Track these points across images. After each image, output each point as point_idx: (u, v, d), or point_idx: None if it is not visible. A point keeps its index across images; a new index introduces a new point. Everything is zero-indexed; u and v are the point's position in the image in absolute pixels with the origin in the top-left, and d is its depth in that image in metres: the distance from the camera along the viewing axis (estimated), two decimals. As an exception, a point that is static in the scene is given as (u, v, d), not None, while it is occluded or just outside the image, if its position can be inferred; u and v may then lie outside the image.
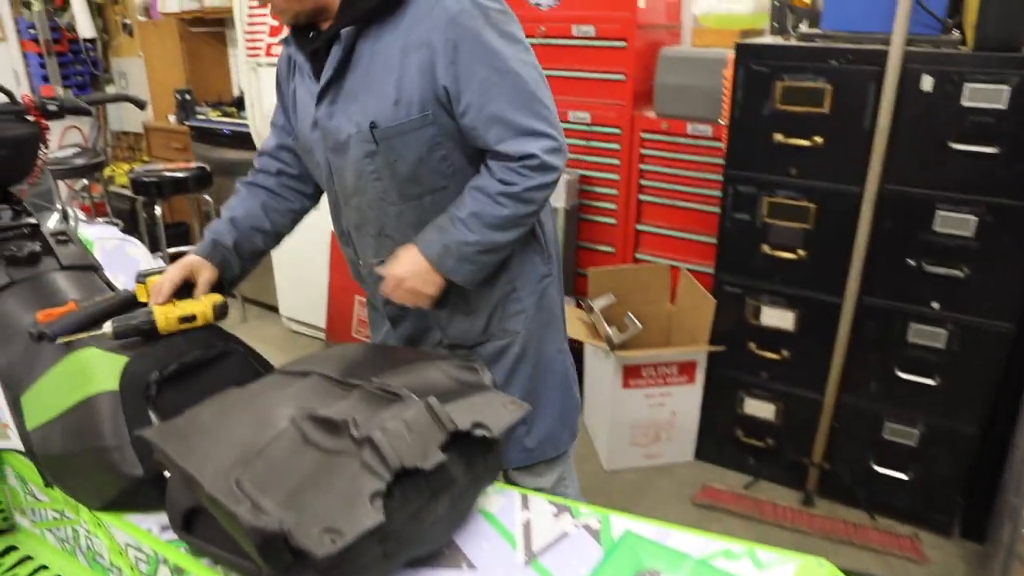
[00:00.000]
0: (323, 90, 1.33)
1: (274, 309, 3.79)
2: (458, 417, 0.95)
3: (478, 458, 0.98)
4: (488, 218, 1.29)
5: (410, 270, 1.34)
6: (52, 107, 1.72)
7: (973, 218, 1.95)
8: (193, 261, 1.41)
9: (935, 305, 2.06)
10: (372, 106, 1.28)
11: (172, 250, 3.81)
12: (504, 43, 1.25)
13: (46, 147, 1.76)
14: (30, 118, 1.74)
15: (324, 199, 1.57)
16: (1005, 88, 1.82)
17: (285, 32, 1.40)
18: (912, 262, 2.06)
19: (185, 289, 1.37)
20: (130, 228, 4.39)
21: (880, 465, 2.29)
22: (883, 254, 2.09)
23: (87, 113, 1.77)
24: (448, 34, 1.22)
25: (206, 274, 1.41)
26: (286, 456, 0.87)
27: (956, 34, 1.97)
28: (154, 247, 3.75)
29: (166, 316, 1.26)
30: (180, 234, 4.21)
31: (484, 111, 1.25)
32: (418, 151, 1.31)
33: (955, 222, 1.97)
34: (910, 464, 2.24)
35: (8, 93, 1.73)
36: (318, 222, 3.31)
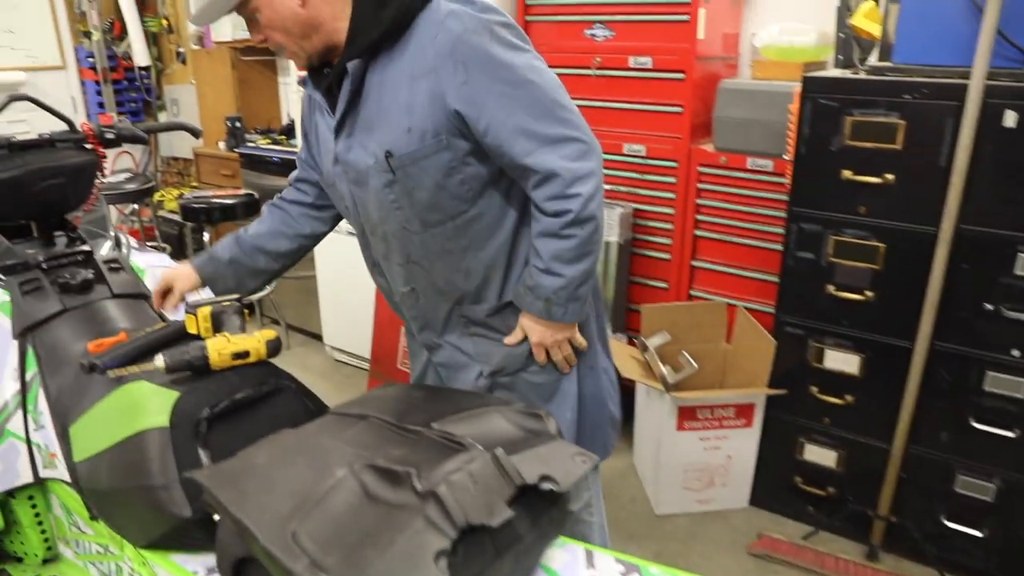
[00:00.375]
0: (339, 124, 1.36)
1: (318, 337, 3.78)
2: (525, 469, 0.90)
3: (544, 513, 0.93)
4: (565, 255, 1.30)
5: (539, 335, 1.40)
6: (110, 135, 1.74)
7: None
8: (177, 272, 1.58)
9: (1015, 353, 1.96)
10: (386, 136, 1.29)
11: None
12: (513, 54, 1.24)
13: (103, 175, 1.77)
14: (88, 146, 1.76)
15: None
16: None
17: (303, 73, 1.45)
18: (990, 306, 1.96)
19: (238, 322, 1.35)
20: (178, 253, 4.45)
21: (952, 520, 2.17)
22: (958, 297, 1.99)
23: (144, 142, 1.78)
24: (456, 56, 1.22)
25: (181, 283, 1.57)
26: (345, 509, 0.83)
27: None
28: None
29: (219, 352, 1.24)
30: (226, 260, 4.25)
31: (506, 126, 1.24)
32: (435, 177, 1.31)
33: (1036, 265, 1.88)
34: (985, 520, 2.12)
35: (68, 121, 1.75)
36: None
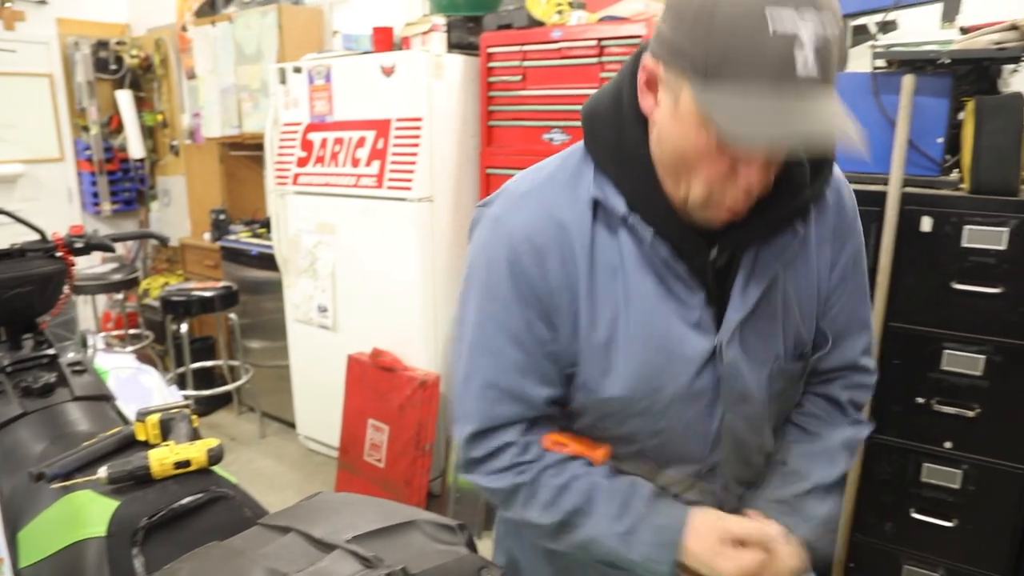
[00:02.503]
0: (740, 320, 0.94)
1: (292, 425, 3.79)
2: (429, 585, 0.93)
3: (450, 628, 0.95)
4: (845, 470, 1.08)
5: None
6: (79, 244, 1.80)
7: (981, 357, 1.91)
8: None
9: (947, 444, 2.00)
10: (797, 331, 0.99)
11: (196, 365, 3.88)
12: None
13: (72, 282, 1.83)
14: (58, 255, 1.83)
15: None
16: (1004, 230, 1.82)
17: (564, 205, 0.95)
18: (921, 400, 2.01)
19: (186, 429, 1.38)
20: (160, 339, 4.49)
21: (903, 610, 2.17)
22: (892, 391, 2.04)
23: (110, 250, 1.85)
24: (856, 220, 1.03)
25: None
26: (251, 627, 0.86)
27: (955, 174, 1.99)
28: (179, 361, 3.82)
29: (160, 461, 1.27)
30: (206, 348, 4.29)
31: (860, 313, 1.07)
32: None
33: (963, 361, 1.93)
34: (934, 610, 2.12)
35: (39, 231, 1.82)
36: (336, 342, 3.35)
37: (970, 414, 1.95)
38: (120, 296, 4.66)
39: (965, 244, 1.88)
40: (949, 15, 1.87)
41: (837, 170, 1.01)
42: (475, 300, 1.01)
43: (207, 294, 3.47)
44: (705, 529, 0.93)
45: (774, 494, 1.04)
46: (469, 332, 1.02)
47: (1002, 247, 1.83)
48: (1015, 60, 1.82)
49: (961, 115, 1.91)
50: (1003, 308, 1.86)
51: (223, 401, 4.24)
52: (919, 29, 2.05)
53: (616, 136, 0.93)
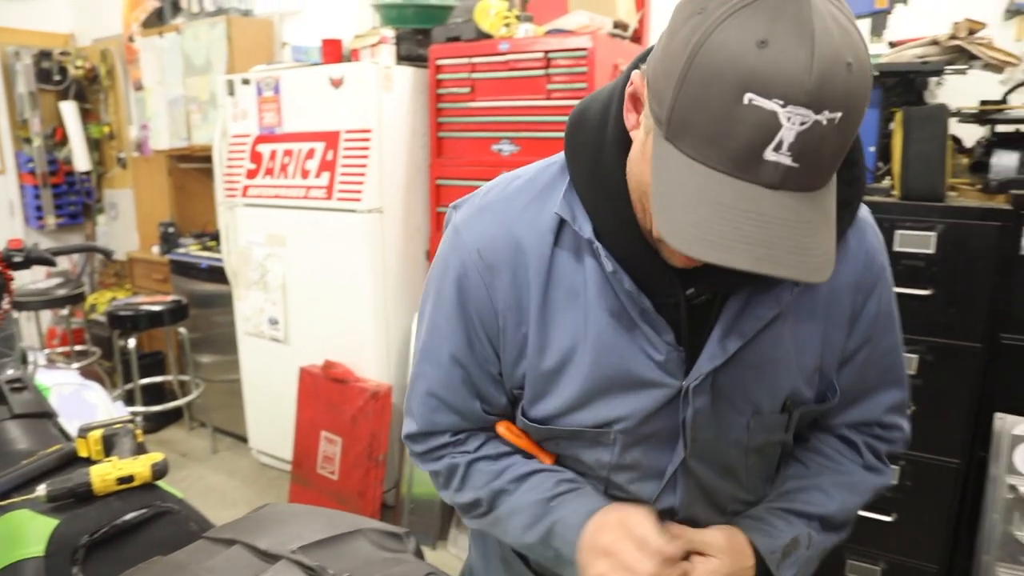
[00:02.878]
0: (713, 369, 0.85)
1: (245, 440, 3.73)
2: (375, 592, 0.94)
3: (397, 634, 0.95)
4: (851, 514, 0.97)
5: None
6: (17, 259, 1.76)
7: (915, 357, 1.98)
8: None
9: (886, 442, 2.07)
10: (787, 380, 0.88)
11: (144, 381, 3.80)
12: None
13: (11, 297, 1.79)
14: (-5, 269, 1.78)
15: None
16: (932, 234, 1.90)
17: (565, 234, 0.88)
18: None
19: (129, 445, 1.36)
20: (108, 355, 4.39)
21: (846, 604, 2.22)
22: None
23: (51, 264, 1.81)
24: (884, 272, 0.93)
25: None
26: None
27: (888, 181, 2.06)
28: (127, 377, 3.74)
29: (102, 478, 1.25)
30: (155, 363, 4.20)
31: (892, 371, 0.96)
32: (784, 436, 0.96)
33: (898, 361, 2.01)
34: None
35: (-24, 246, 1.78)
36: (288, 355, 3.31)
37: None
38: (65, 312, 4.54)
39: (897, 248, 1.95)
40: (877, 30, 1.94)
41: (865, 214, 0.91)
42: (429, 306, 0.98)
43: (156, 308, 3.41)
44: (601, 530, 0.87)
45: (749, 512, 0.97)
46: (422, 335, 1.01)
47: (931, 251, 1.91)
48: (938, 73, 1.90)
49: (891, 125, 1.98)
50: (933, 309, 1.93)
51: (173, 417, 4.16)
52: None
53: (596, 152, 0.84)
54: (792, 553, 0.91)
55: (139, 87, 4.92)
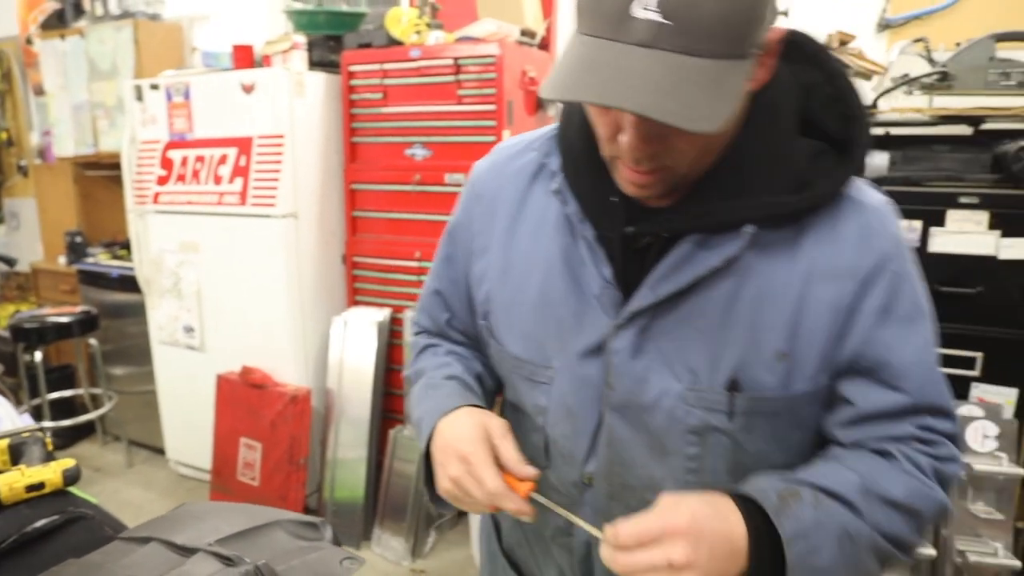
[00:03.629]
0: (639, 309, 0.82)
1: (162, 452, 3.65)
2: (290, 577, 0.97)
3: (314, 617, 0.99)
4: (883, 518, 0.78)
5: (702, 522, 0.72)
6: (-86, 270, 1.70)
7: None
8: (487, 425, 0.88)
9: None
10: (733, 354, 0.81)
11: (53, 395, 3.67)
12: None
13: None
14: None
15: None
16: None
17: (537, 158, 0.95)
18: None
19: (39, 453, 1.34)
20: (11, 371, 4.20)
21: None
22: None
23: (-49, 275, 1.75)
24: (897, 269, 0.80)
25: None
26: (109, 632, 0.87)
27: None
28: (34, 392, 3.59)
29: (11, 486, 1.23)
30: (64, 377, 4.05)
31: (923, 395, 0.80)
32: (784, 439, 0.84)
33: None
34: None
35: None
36: (204, 362, 3.27)
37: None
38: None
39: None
40: (761, 40, 2.08)
41: (879, 208, 0.82)
42: None
43: (64, 320, 3.29)
44: (459, 431, 0.87)
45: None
46: None
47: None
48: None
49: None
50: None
51: (85, 432, 4.01)
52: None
53: (568, 117, 0.91)
54: (792, 505, 0.75)
55: (40, 92, 4.72)
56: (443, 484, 0.87)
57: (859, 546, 0.76)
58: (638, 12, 0.63)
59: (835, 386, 0.82)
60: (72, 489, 1.34)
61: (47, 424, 3.48)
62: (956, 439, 0.84)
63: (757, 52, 0.70)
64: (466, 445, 0.85)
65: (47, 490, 1.28)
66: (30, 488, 1.26)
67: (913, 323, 0.81)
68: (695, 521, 0.72)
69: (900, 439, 0.81)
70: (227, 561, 1.00)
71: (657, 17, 0.62)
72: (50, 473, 1.29)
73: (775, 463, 0.83)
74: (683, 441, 0.84)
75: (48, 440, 1.40)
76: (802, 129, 0.82)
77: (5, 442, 1.34)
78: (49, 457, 1.36)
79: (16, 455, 1.35)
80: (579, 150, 0.86)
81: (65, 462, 1.32)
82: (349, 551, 1.07)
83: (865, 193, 0.83)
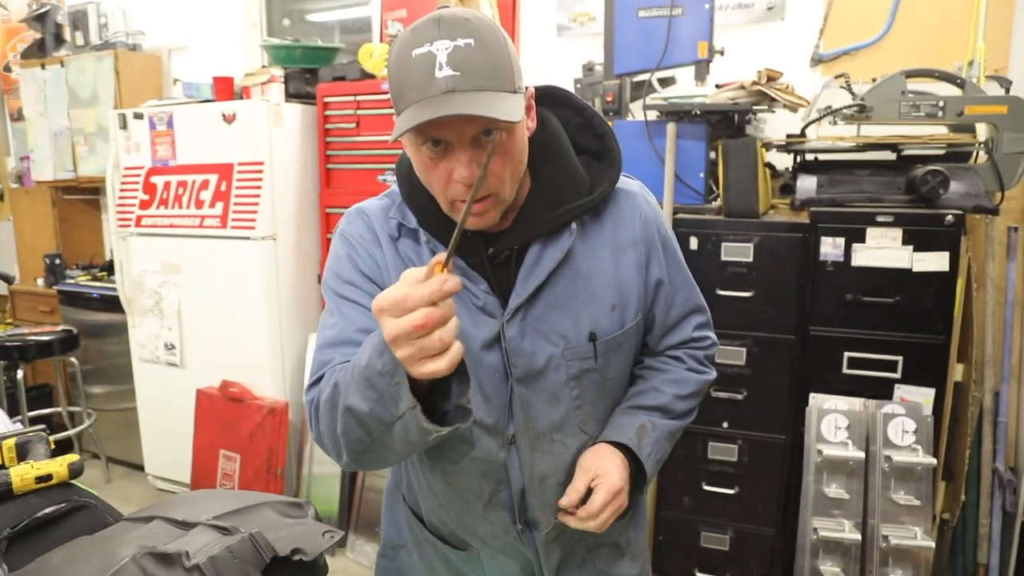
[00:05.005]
0: (518, 304, 1.09)
1: (140, 468, 3.73)
2: (279, 545, 1.12)
3: (298, 579, 1.14)
4: (686, 403, 1.23)
5: (621, 476, 1.13)
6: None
7: (743, 349, 2.32)
8: None
9: (725, 424, 2.39)
10: (587, 316, 1.11)
11: (33, 413, 3.74)
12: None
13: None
14: None
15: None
16: (750, 245, 2.25)
17: (374, 216, 1.17)
18: (702, 389, 2.39)
19: (44, 450, 1.47)
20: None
21: (702, 572, 2.52)
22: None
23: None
24: (660, 230, 1.19)
25: None
26: (125, 588, 1.01)
27: (716, 203, 2.41)
28: (13, 411, 3.66)
29: (22, 477, 1.36)
30: (43, 395, 4.12)
31: (690, 302, 1.24)
32: (626, 364, 1.21)
33: (730, 353, 2.33)
34: (726, 568, 2.49)
35: None
36: (184, 378, 3.37)
37: (739, 397, 2.35)
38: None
39: (724, 258, 2.29)
40: (700, 76, 2.29)
41: (639, 191, 1.18)
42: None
43: (45, 338, 3.39)
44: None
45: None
46: None
47: (750, 259, 2.26)
48: (746, 112, 2.27)
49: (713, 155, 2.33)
50: (755, 308, 2.28)
51: (64, 449, 4.04)
52: (690, 85, 2.48)
53: (409, 175, 1.13)
54: (644, 437, 1.15)
55: (17, 117, 4.82)
56: (400, 351, 0.82)
57: (676, 434, 1.22)
58: (438, 74, 0.91)
59: (647, 316, 1.20)
60: (75, 481, 1.48)
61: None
62: (710, 325, 1.29)
63: (523, 92, 1.00)
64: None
65: (54, 481, 1.42)
66: (39, 479, 1.40)
67: (680, 264, 1.22)
68: (610, 470, 1.11)
69: (684, 343, 1.24)
70: (224, 531, 1.15)
71: (451, 72, 0.91)
72: (57, 466, 1.43)
73: (623, 381, 1.20)
74: (567, 388, 1.13)
75: (51, 440, 1.53)
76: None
77: (13, 440, 1.48)
78: (52, 455, 1.49)
79: (23, 452, 1.48)
80: (429, 207, 1.09)
81: (70, 457, 1.46)
82: (329, 527, 1.22)
83: (628, 183, 1.19)
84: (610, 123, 1.24)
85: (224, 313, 3.15)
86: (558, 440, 1.14)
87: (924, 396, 2.21)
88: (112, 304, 3.61)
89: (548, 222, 1.09)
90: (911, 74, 2.17)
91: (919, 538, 2.05)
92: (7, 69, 4.87)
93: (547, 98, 1.17)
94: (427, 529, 1.31)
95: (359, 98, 2.94)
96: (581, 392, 1.14)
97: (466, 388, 0.90)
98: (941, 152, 2.35)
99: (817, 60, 2.75)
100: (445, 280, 0.80)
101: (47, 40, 4.41)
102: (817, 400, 2.25)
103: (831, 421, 2.21)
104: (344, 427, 1.00)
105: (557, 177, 1.11)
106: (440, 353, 0.81)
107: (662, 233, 1.19)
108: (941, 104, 2.14)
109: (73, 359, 3.69)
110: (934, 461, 2.07)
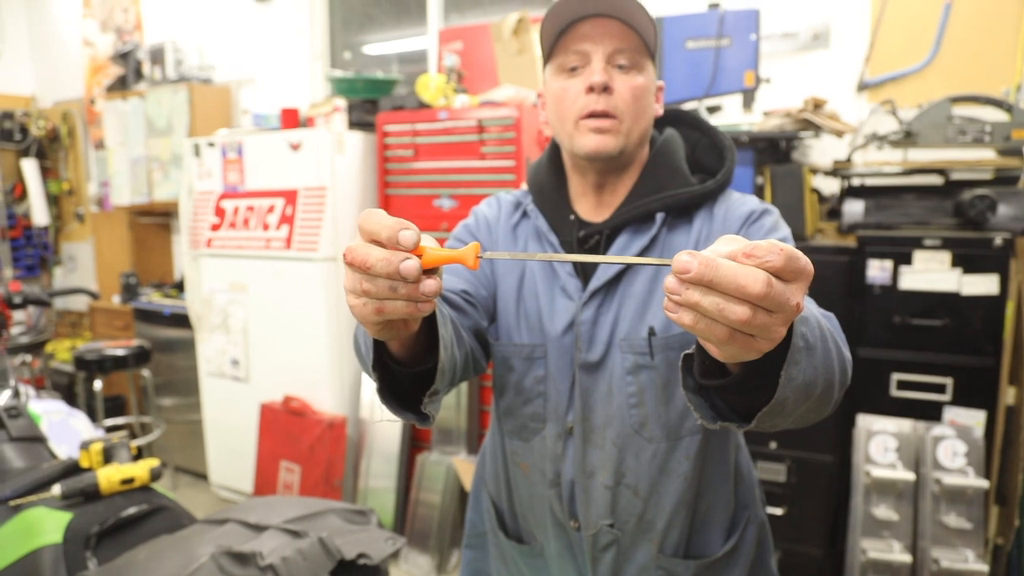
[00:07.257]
0: (597, 288, 1.09)
1: (204, 477, 3.83)
2: (346, 549, 1.16)
3: (362, 582, 1.18)
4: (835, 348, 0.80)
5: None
6: (17, 300, 1.93)
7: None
8: None
9: (773, 445, 2.36)
10: (654, 311, 1.06)
11: (108, 421, 3.89)
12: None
13: (8, 333, 1.95)
14: (-5, 311, 1.95)
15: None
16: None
17: (500, 201, 1.24)
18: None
19: (126, 455, 1.55)
20: (68, 402, 4.43)
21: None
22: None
23: (47, 304, 1.98)
24: (757, 220, 1.09)
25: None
26: (205, 584, 1.06)
27: (765, 227, 2.40)
28: (91, 419, 3.81)
29: (108, 479, 1.44)
30: (116, 406, 4.28)
31: None
32: None
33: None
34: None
35: (-23, 290, 1.94)
36: (248, 392, 3.46)
37: (785, 418, 2.32)
38: (28, 359, 4.57)
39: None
40: (748, 104, 2.29)
41: (758, 207, 1.09)
42: None
43: (120, 352, 3.53)
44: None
45: None
46: None
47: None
48: (792, 139, 2.26)
49: (760, 180, 2.33)
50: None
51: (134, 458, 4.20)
52: (737, 113, 2.49)
53: (537, 167, 1.21)
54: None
55: (100, 146, 5.06)
56: (354, 302, 0.66)
57: (828, 345, 0.76)
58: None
59: None
60: (154, 485, 1.54)
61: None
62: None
63: (655, 65, 1.08)
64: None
65: (136, 484, 1.49)
66: (124, 481, 1.47)
67: (777, 228, 1.07)
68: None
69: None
70: (294, 534, 1.19)
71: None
72: (139, 470, 1.49)
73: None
74: (623, 381, 1.08)
75: (133, 446, 1.61)
76: (693, 171, 1.15)
77: (100, 445, 1.55)
78: (134, 458, 1.57)
79: (108, 456, 1.56)
80: (545, 187, 1.17)
81: (151, 461, 1.53)
82: (391, 534, 1.26)
83: (751, 200, 1.11)
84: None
85: (287, 331, 3.24)
86: (609, 437, 1.09)
87: (975, 419, 2.16)
88: (182, 321, 3.75)
89: (638, 209, 1.09)
90: (957, 99, 2.15)
91: (971, 562, 1.99)
92: (92, 102, 5.13)
93: (676, 119, 1.21)
94: (498, 523, 1.29)
95: (417, 126, 3.02)
96: (638, 390, 1.07)
97: (438, 394, 0.78)
98: (989, 176, 2.31)
99: (863, 86, 2.73)
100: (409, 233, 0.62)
101: (128, 75, 4.64)
102: (865, 421, 2.21)
103: (880, 442, 2.17)
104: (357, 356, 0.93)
105: (662, 177, 1.11)
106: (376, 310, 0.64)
107: (761, 220, 1.08)
108: (988, 129, 2.11)
109: (145, 372, 3.83)
110: (986, 484, 2.01)
